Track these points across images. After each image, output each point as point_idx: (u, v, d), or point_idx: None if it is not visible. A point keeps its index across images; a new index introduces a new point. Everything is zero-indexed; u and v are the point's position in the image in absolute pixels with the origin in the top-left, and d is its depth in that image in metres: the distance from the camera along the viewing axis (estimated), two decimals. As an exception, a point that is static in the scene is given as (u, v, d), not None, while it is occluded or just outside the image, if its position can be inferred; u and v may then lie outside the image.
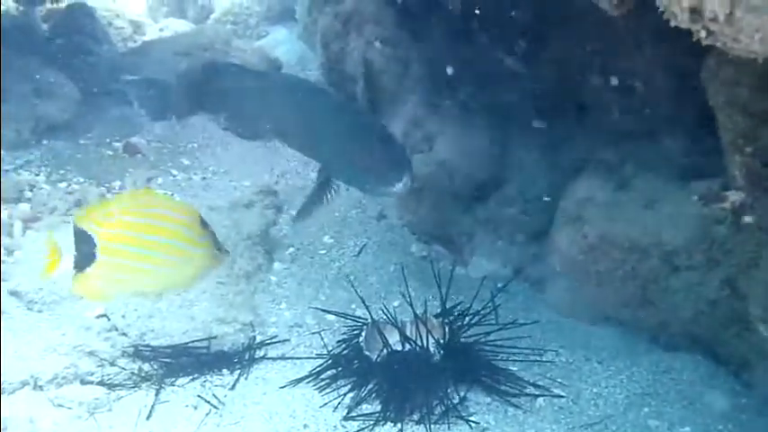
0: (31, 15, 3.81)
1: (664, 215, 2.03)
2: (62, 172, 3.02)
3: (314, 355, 2.15)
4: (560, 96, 2.62)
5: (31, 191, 2.77)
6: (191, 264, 1.69)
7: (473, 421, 1.91)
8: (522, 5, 2.60)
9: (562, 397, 2.02)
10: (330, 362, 2.06)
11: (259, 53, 3.74)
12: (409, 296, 2.24)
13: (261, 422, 1.86)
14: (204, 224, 1.72)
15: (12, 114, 3.05)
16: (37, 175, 2.95)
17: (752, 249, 1.84)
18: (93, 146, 3.30)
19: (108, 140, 3.36)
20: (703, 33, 0.96)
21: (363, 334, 2.05)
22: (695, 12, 0.96)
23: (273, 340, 2.24)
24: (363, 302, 2.23)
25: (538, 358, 2.16)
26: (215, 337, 2.15)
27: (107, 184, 2.98)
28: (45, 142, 3.23)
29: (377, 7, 3.15)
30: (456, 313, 2.20)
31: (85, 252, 1.61)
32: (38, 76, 3.22)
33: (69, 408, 1.74)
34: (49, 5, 3.88)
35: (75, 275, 1.61)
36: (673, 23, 1.01)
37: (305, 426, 1.86)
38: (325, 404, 1.94)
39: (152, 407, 1.87)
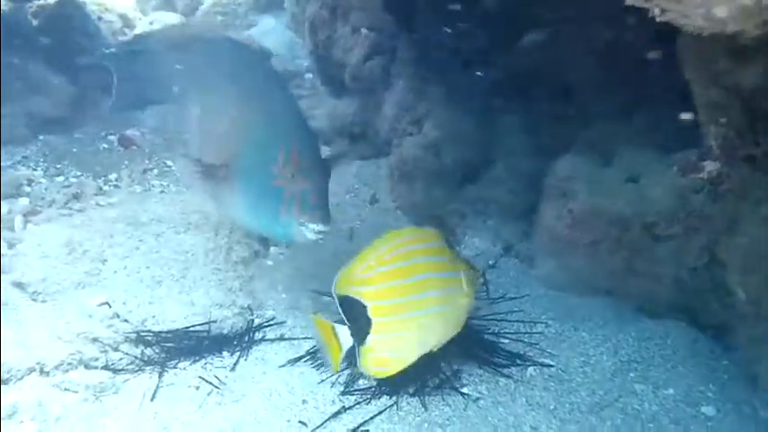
0: (21, 11, 3.83)
1: (644, 187, 2.10)
2: (59, 166, 3.08)
3: (311, 335, 2.21)
4: (544, 77, 2.68)
5: (29, 186, 2.82)
6: (459, 298, 1.64)
7: (465, 393, 1.98)
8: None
9: (552, 366, 2.09)
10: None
11: (248, 42, 3.77)
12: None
13: (261, 399, 1.93)
14: (450, 245, 1.66)
15: (6, 110, 3.09)
16: (34, 170, 3.00)
17: (728, 217, 1.90)
18: (88, 139, 3.36)
19: (103, 134, 3.41)
20: (657, 11, 1.02)
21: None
22: (649, -10, 1.01)
23: (271, 322, 2.31)
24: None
25: (529, 330, 2.24)
26: (215, 321, 2.21)
27: (104, 177, 3.03)
28: (41, 137, 3.28)
29: (363, -6, 3.20)
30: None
31: (361, 322, 1.56)
32: (31, 72, 3.26)
33: (76, 391, 1.81)
34: (38, 1, 3.91)
35: (361, 353, 1.56)
36: (628, 2, 1.07)
37: (303, 401, 1.93)
38: (323, 381, 2.01)
39: (156, 389, 1.94)
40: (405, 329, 1.61)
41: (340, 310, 1.61)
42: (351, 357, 1.74)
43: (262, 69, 2.15)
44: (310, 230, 1.78)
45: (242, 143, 1.83)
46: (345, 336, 1.60)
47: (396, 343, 1.61)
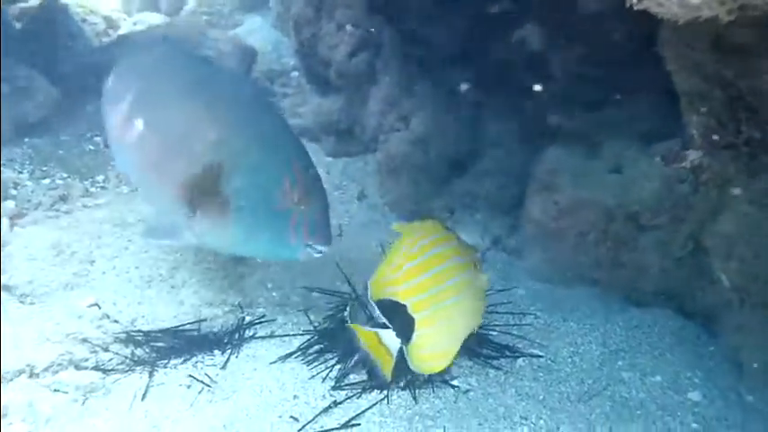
0: (4, 14, 3.81)
1: (629, 178, 2.12)
2: (45, 168, 3.07)
3: (301, 332, 2.21)
4: (528, 70, 2.70)
5: (15, 188, 2.81)
6: (478, 279, 1.67)
7: (455, 386, 1.99)
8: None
9: (541, 357, 2.11)
10: (317, 337, 2.14)
11: (233, 42, 3.77)
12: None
13: (252, 396, 1.93)
14: (467, 245, 1.71)
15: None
16: (20, 172, 2.99)
17: (711, 205, 1.93)
18: (74, 141, 3.34)
19: (89, 135, 3.40)
20: (635, 0, 1.03)
21: (348, 309, 2.12)
22: (626, -21, 1.03)
23: (262, 320, 2.31)
24: (347, 280, 2.29)
25: (518, 322, 2.25)
26: (205, 320, 2.22)
27: (90, 179, 3.02)
28: (26, 140, 3.26)
29: (347, -9, 3.20)
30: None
31: (403, 322, 1.58)
32: (15, 75, 3.24)
33: (66, 392, 1.81)
34: (21, 4, 3.89)
35: (410, 352, 1.58)
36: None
37: (294, 397, 1.93)
38: (314, 376, 2.02)
39: (146, 388, 1.94)
40: (445, 319, 1.63)
41: (379, 316, 1.63)
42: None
43: (238, 88, 1.99)
44: (316, 251, 1.79)
45: (236, 168, 1.74)
46: (391, 339, 1.62)
47: (440, 334, 1.64)
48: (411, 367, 1.66)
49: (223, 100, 1.83)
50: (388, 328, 1.62)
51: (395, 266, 1.62)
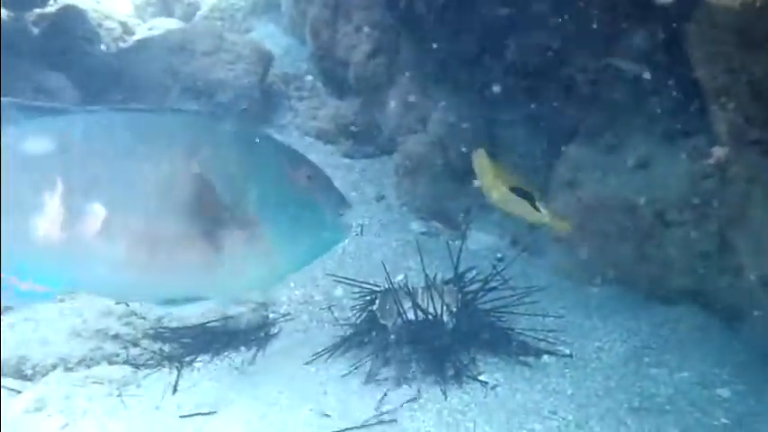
0: (22, 20, 3.85)
1: (654, 174, 2.13)
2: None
3: (338, 324, 2.22)
4: (547, 70, 2.72)
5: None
6: None
7: (483, 381, 2.00)
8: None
9: (567, 354, 2.12)
10: (349, 334, 2.14)
11: (251, 46, 3.79)
12: (422, 266, 2.30)
13: (282, 390, 1.94)
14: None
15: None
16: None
17: (738, 201, 1.94)
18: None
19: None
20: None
21: (377, 303, 2.13)
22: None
23: (287, 318, 2.33)
24: (386, 270, 2.27)
25: (541, 320, 2.26)
26: (231, 317, 2.23)
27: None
28: (46, 142, 3.28)
29: (365, -7, 3.23)
30: (465, 281, 2.29)
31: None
32: (36, 80, 3.27)
33: (101, 384, 1.82)
34: (38, 10, 3.93)
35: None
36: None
37: (324, 393, 1.94)
38: (346, 374, 2.01)
39: (176, 382, 1.95)
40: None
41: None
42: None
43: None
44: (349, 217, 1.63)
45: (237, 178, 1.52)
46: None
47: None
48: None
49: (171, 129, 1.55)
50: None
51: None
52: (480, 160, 2.08)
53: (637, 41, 2.32)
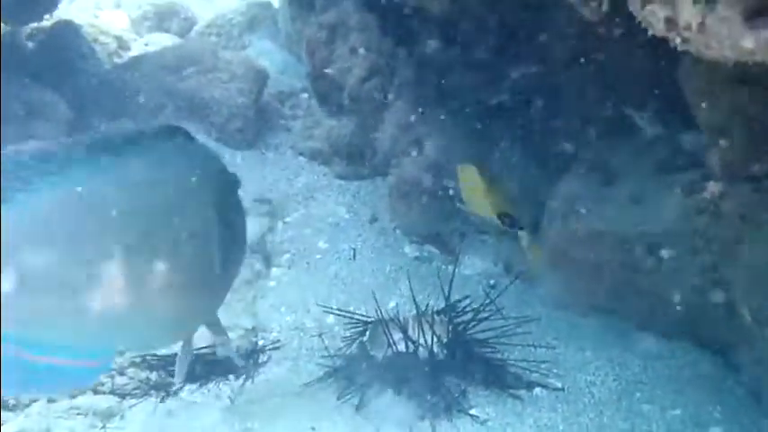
0: (17, 34, 3.83)
1: (648, 207, 2.12)
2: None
3: (325, 355, 2.19)
4: (543, 96, 2.71)
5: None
6: None
7: (474, 415, 1.97)
8: (502, 10, 2.69)
9: (558, 387, 2.10)
10: (338, 363, 2.12)
11: (246, 64, 3.78)
12: (412, 294, 2.29)
13: (269, 420, 1.92)
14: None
15: (4, 134, 3.07)
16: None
17: (732, 237, 1.92)
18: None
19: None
20: (678, 41, 1.04)
21: (367, 334, 2.12)
22: (670, 21, 1.04)
23: (276, 344, 2.30)
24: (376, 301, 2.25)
25: (533, 351, 2.24)
26: (221, 343, 2.20)
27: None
28: (38, 159, 3.26)
29: (361, 15, 3.22)
30: (456, 311, 2.27)
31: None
32: (28, 96, 3.25)
33: (84, 415, 1.80)
34: (33, 24, 3.91)
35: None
36: (650, 33, 1.09)
37: (312, 429, 1.92)
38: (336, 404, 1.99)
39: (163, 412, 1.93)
40: None
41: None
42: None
43: None
44: None
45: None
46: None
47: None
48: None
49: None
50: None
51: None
52: (468, 175, 2.17)
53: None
